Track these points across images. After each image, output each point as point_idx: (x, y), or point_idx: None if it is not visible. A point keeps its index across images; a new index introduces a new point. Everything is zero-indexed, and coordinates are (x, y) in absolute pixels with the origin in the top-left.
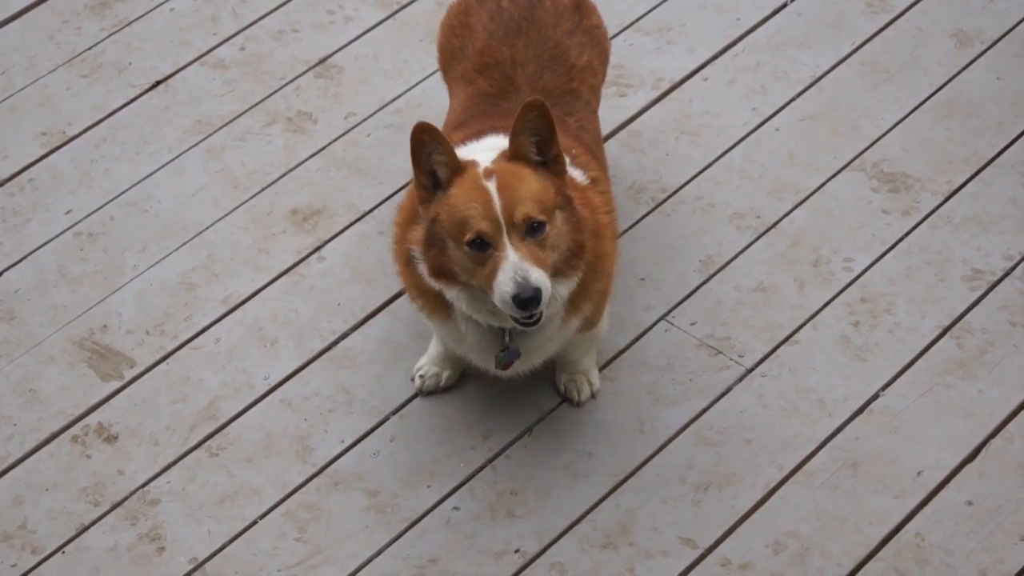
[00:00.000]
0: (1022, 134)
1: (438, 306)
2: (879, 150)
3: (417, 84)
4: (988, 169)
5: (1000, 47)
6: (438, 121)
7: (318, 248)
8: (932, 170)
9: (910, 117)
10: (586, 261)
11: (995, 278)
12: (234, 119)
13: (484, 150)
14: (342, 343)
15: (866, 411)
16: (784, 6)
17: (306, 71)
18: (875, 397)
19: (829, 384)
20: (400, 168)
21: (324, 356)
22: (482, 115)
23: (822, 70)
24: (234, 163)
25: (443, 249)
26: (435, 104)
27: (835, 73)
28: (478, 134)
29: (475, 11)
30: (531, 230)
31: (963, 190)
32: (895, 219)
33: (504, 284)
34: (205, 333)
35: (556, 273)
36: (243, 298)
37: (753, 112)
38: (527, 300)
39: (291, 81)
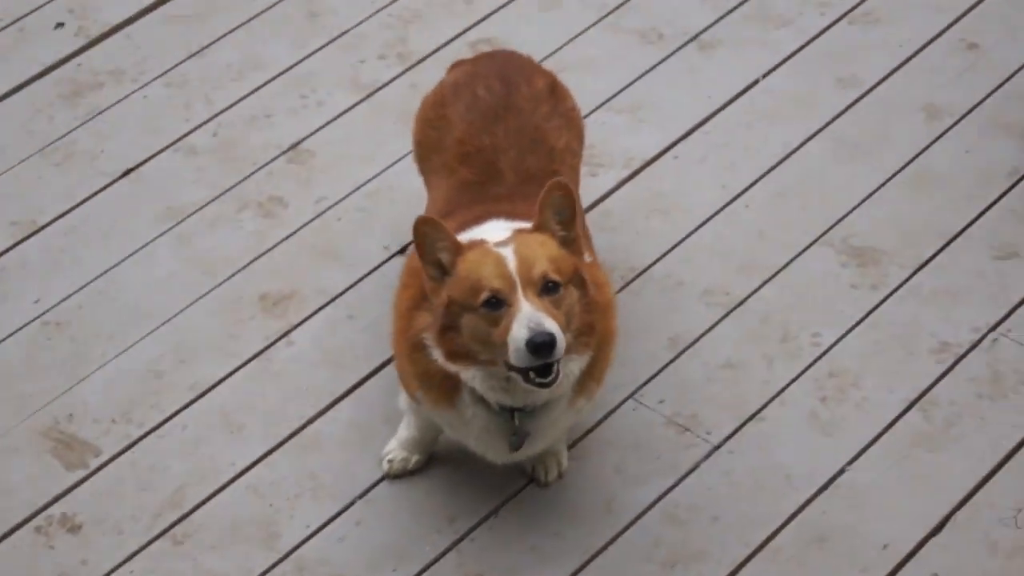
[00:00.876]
0: (990, 207)
1: (442, 394)
2: (848, 225)
3: (389, 167)
4: (956, 242)
5: (969, 119)
6: (409, 204)
7: (287, 333)
8: (901, 243)
9: (879, 191)
10: (596, 340)
11: (962, 350)
12: (205, 205)
13: (491, 231)
14: (309, 428)
15: (832, 486)
16: (755, 83)
17: (278, 156)
18: (841, 472)
19: (796, 460)
20: (371, 251)
21: (291, 441)
22: (471, 202)
23: (792, 146)
24: (204, 250)
25: (459, 329)
26: (407, 187)
27: (805, 149)
28: (477, 220)
29: (451, 103)
30: (547, 289)
31: (931, 263)
32: (863, 293)
33: (517, 332)
34: (171, 421)
35: (568, 350)
36: (210, 384)
37: (723, 189)
38: (540, 345)
39: (263, 166)
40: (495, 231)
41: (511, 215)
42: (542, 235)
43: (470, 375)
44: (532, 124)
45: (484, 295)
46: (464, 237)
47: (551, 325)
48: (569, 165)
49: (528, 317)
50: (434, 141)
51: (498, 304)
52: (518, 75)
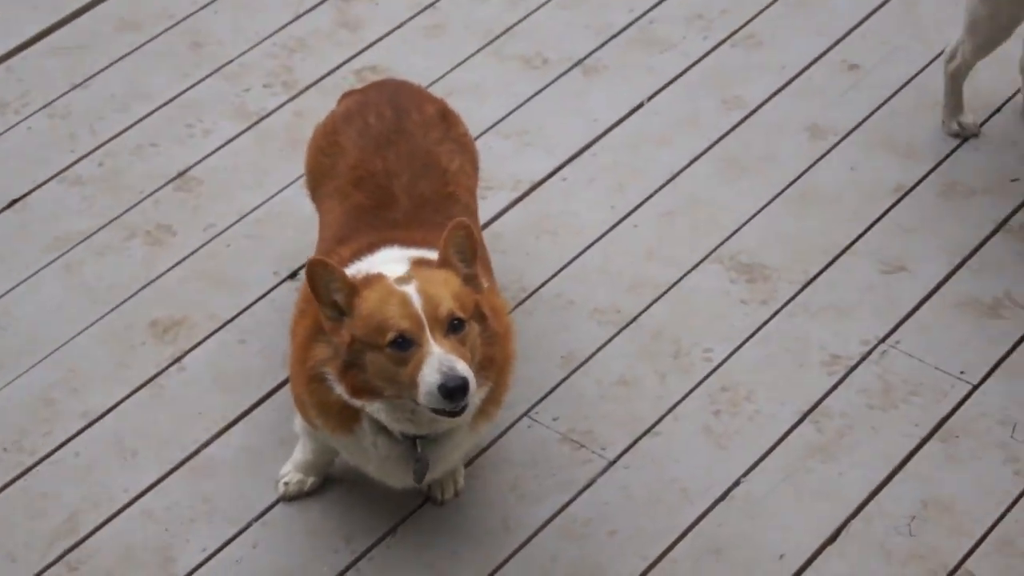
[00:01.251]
0: (876, 222)
1: (342, 422)
2: (736, 242)
3: (277, 194)
4: (843, 257)
5: (853, 138)
6: (297, 229)
7: (178, 359)
8: (789, 260)
9: (766, 209)
10: (496, 371)
11: (852, 362)
12: (92, 234)
13: (385, 262)
14: (203, 452)
15: (728, 498)
16: (641, 106)
17: (165, 184)
18: (736, 484)
19: (691, 473)
20: (261, 276)
21: (185, 466)
22: (367, 227)
23: (679, 167)
24: (92, 278)
25: (363, 366)
26: (295, 213)
27: (692, 169)
28: (370, 248)
29: (343, 130)
30: (453, 327)
31: (819, 278)
32: (753, 309)
33: (429, 376)
34: (64, 448)
35: None
36: (102, 411)
37: (612, 210)
38: (454, 389)
39: (150, 195)
40: (390, 259)
41: (406, 242)
42: (445, 272)
43: (375, 408)
44: (424, 148)
45: (391, 335)
46: (359, 265)
47: (463, 368)
48: (464, 187)
49: (440, 360)
50: (327, 168)
51: (406, 344)
52: (408, 102)
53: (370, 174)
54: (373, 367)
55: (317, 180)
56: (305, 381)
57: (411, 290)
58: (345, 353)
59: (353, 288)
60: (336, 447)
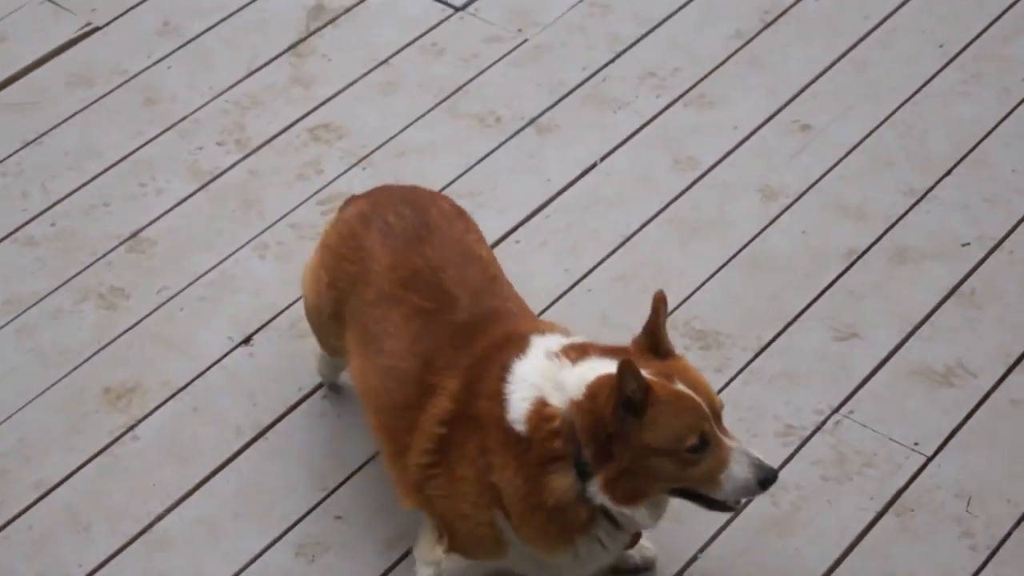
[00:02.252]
0: (828, 287)
1: (563, 537)
2: (690, 307)
3: (230, 255)
4: (796, 323)
5: (805, 200)
6: (250, 292)
7: (132, 427)
8: (742, 326)
9: (719, 273)
10: None
11: (806, 433)
12: (45, 296)
13: (582, 375)
14: (157, 525)
15: (685, 574)
16: (594, 166)
17: (118, 245)
18: (693, 559)
19: (647, 547)
20: (213, 341)
21: (139, 540)
22: (456, 337)
23: (632, 229)
24: (45, 342)
25: (643, 471)
26: (248, 275)
27: (645, 231)
28: (520, 348)
29: (362, 233)
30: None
31: (772, 345)
32: (707, 376)
33: (744, 472)
34: (17, 521)
35: None
36: (55, 482)
37: (565, 273)
38: (773, 481)
39: (103, 256)
40: (548, 347)
41: (532, 331)
42: (681, 360)
43: (638, 511)
44: (454, 238)
45: (692, 440)
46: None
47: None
48: (500, 271)
49: (748, 456)
50: (354, 275)
51: (703, 446)
52: (423, 200)
53: (415, 273)
54: (657, 471)
55: (345, 290)
56: (541, 520)
57: (685, 388)
58: (628, 460)
59: (648, 388)
60: (548, 563)
